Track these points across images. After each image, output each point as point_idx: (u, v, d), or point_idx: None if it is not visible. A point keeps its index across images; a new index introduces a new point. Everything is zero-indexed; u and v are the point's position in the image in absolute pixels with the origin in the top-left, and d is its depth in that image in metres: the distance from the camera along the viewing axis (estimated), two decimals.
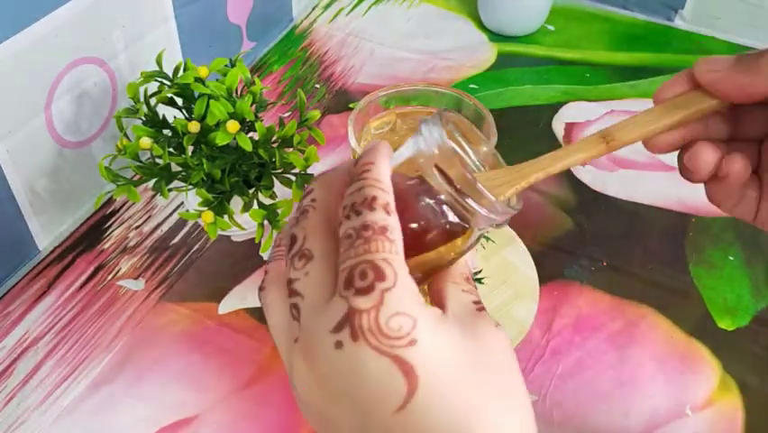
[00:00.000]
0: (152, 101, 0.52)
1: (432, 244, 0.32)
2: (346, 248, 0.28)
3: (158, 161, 0.50)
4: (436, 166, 0.30)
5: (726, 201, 0.35)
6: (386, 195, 0.29)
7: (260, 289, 0.32)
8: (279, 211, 0.49)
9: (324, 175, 0.33)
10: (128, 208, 0.61)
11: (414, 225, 0.31)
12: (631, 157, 0.67)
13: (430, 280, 0.34)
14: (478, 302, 0.32)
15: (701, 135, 0.34)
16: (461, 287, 0.32)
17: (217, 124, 0.48)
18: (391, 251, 0.28)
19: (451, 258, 0.33)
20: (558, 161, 0.33)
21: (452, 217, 0.31)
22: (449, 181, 0.30)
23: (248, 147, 0.48)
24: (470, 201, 0.30)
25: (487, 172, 0.34)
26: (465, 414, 0.27)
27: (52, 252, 0.58)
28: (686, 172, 0.35)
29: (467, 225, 0.31)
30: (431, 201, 0.31)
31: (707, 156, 0.33)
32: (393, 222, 0.28)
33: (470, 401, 0.27)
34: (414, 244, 0.31)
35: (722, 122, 0.35)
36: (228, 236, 0.59)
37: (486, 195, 0.30)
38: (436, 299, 0.32)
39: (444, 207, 0.31)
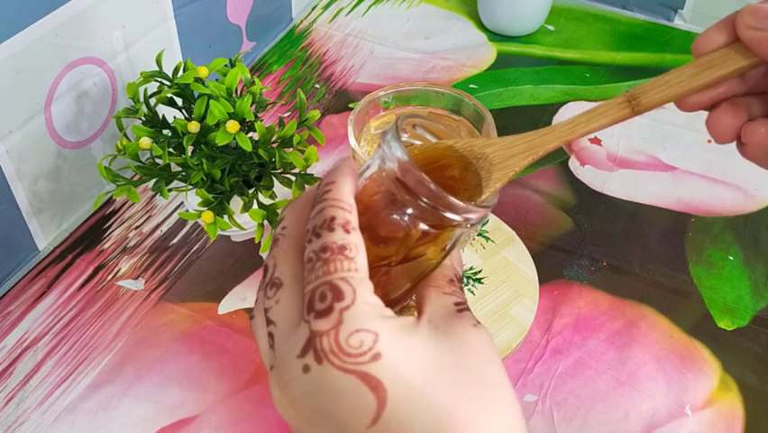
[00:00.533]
0: (152, 101, 0.52)
1: (411, 254, 0.31)
2: (308, 272, 0.29)
3: (158, 161, 0.50)
4: (398, 179, 0.30)
5: (761, 161, 0.32)
6: (345, 213, 0.29)
7: (251, 318, 0.33)
8: (279, 211, 0.49)
9: (295, 201, 0.33)
10: (128, 208, 0.61)
11: (389, 238, 0.31)
12: (631, 157, 0.67)
13: None
14: (460, 303, 0.31)
15: (738, 91, 0.31)
16: (442, 290, 0.32)
17: (217, 125, 0.48)
18: (350, 269, 0.28)
19: (434, 263, 0.33)
20: (579, 128, 0.31)
21: (424, 226, 0.30)
22: (412, 193, 0.29)
23: (248, 147, 0.48)
24: (439, 210, 0.30)
25: (503, 139, 0.32)
26: (440, 418, 0.27)
27: (52, 252, 0.58)
28: (710, 134, 0.32)
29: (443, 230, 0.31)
30: (402, 213, 0.30)
31: (726, 122, 0.31)
32: (353, 239, 0.29)
33: (444, 405, 0.27)
34: (393, 256, 0.31)
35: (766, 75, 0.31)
36: (228, 236, 0.59)
37: (452, 201, 0.29)
38: (418, 305, 0.32)
39: (416, 216, 0.30)
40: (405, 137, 0.33)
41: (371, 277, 0.29)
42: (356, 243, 0.29)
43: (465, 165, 0.32)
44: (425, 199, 0.29)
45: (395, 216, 0.30)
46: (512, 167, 0.31)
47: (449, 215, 0.30)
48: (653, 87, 0.30)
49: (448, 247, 0.32)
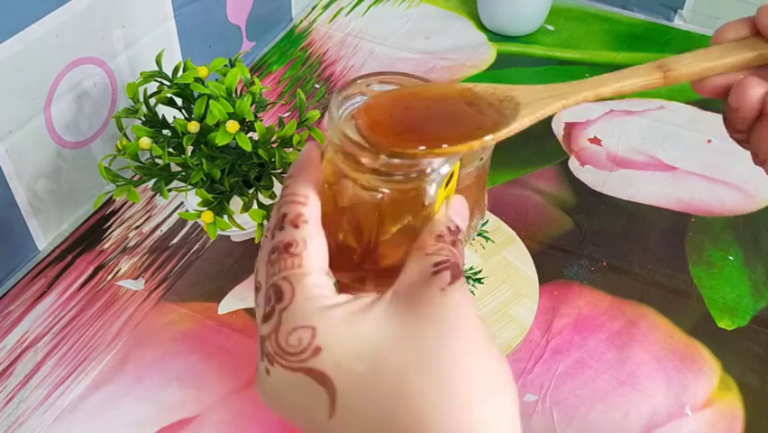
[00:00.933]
0: (152, 101, 0.52)
1: (394, 219, 0.31)
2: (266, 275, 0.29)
3: (157, 161, 0.50)
4: (342, 150, 0.30)
5: None
6: (298, 207, 0.29)
7: None
8: None
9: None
10: (128, 208, 0.61)
11: (360, 211, 0.31)
12: (631, 157, 0.67)
13: None
14: (440, 263, 0.29)
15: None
16: (425, 250, 0.30)
17: (217, 125, 0.48)
18: (293, 265, 0.28)
19: (420, 221, 0.32)
20: (610, 83, 0.32)
21: (386, 187, 0.30)
22: (356, 158, 0.30)
23: (247, 147, 0.48)
24: (394, 175, 0.30)
25: (530, 86, 0.32)
26: (391, 402, 0.26)
27: (52, 252, 0.58)
28: (730, 114, 0.32)
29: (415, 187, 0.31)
30: (361, 180, 0.30)
31: (754, 89, 0.31)
32: (301, 233, 0.29)
33: (394, 388, 0.26)
34: (378, 224, 0.31)
35: None
36: (228, 236, 0.59)
37: (399, 162, 0.29)
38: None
39: (373, 180, 0.30)
40: (359, 99, 0.33)
41: (362, 252, 0.29)
42: (305, 236, 0.29)
43: (487, 105, 0.32)
44: (376, 167, 0.30)
45: (355, 185, 0.31)
46: (541, 106, 0.31)
47: (417, 170, 0.30)
48: (681, 58, 0.32)
49: (427, 202, 0.31)
